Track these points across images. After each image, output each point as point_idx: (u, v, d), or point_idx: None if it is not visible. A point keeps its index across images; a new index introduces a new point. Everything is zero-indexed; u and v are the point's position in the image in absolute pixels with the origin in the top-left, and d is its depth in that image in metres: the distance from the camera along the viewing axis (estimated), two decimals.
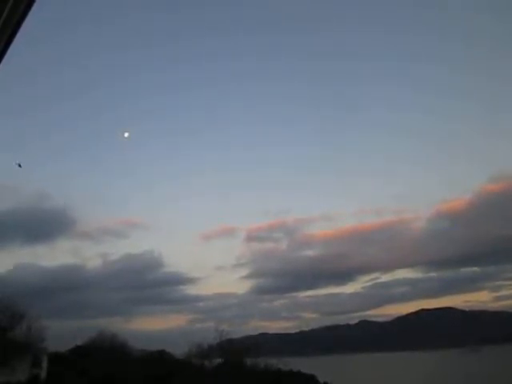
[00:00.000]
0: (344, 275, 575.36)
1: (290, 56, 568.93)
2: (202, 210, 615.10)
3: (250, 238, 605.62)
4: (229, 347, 38.85)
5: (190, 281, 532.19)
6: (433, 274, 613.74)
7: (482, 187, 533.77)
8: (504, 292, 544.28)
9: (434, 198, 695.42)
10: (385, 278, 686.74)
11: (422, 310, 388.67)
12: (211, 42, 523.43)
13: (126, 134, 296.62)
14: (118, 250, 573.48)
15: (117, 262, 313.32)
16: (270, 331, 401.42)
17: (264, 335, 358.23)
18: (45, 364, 52.48)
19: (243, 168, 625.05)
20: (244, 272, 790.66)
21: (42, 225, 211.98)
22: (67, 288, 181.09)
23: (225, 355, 38.79)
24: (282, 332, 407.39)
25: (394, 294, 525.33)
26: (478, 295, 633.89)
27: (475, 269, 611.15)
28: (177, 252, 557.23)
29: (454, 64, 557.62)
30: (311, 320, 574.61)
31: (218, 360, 39.58)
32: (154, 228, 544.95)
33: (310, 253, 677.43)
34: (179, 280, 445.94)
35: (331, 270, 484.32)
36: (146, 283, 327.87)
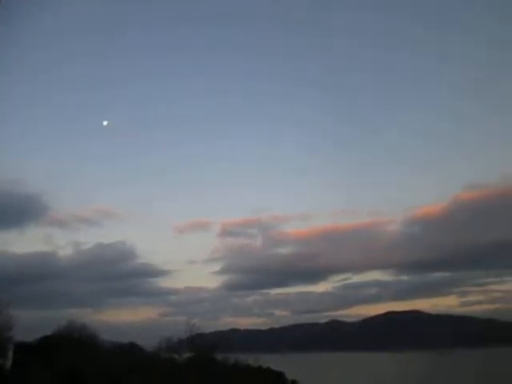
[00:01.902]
0: (316, 274, 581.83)
1: (266, 54, 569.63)
2: (177, 202, 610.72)
3: (225, 233, 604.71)
4: (199, 342, 38.89)
5: (162, 273, 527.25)
6: (403, 277, 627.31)
7: (457, 195, 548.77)
8: (470, 297, 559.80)
9: (410, 203, 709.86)
10: (356, 278, 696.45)
11: (390, 312, 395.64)
12: (188, 35, 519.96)
13: (105, 123, 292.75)
14: (90, 239, 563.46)
15: (89, 251, 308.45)
16: (241, 327, 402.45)
17: (235, 331, 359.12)
18: (11, 354, 51.46)
19: (222, 163, 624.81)
20: (217, 267, 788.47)
21: (13, 210, 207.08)
22: (37, 276, 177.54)
23: (195, 350, 38.83)
24: (253, 328, 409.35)
25: (364, 295, 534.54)
26: (446, 299, 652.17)
27: (445, 274, 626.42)
28: (150, 244, 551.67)
29: (440, 75, 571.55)
30: (282, 317, 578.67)
31: (188, 354, 39.58)
32: (127, 218, 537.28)
33: (283, 251, 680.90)
34: (151, 272, 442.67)
35: (304, 268, 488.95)
36: (118, 274, 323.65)
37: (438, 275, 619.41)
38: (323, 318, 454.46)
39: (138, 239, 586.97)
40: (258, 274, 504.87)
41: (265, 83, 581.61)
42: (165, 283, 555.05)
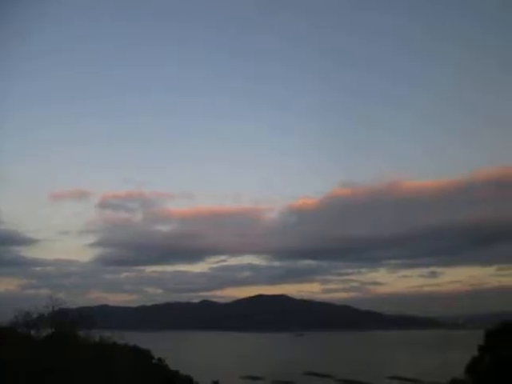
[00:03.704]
0: (194, 254, 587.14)
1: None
2: (56, 169, 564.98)
3: (104, 205, 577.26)
4: (61, 317, 36.67)
5: (28, 242, 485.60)
6: (275, 263, 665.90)
7: (332, 190, 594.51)
8: (331, 285, 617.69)
9: (290, 194, 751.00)
10: (231, 261, 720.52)
11: (260, 295, 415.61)
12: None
13: None
14: None
15: None
16: (111, 303, 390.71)
17: (104, 307, 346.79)
18: None
19: (108, 135, 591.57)
20: (91, 239, 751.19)
21: None
22: None
23: (56, 326, 36.57)
24: (124, 305, 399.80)
25: (238, 277, 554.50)
26: (310, 286, 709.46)
27: (311, 262, 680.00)
28: (18, 209, 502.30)
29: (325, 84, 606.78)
30: (155, 295, 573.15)
31: (48, 331, 37.14)
32: None
33: (164, 228, 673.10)
34: (15, 240, 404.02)
35: (183, 247, 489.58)
36: None
37: (306, 263, 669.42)
38: (197, 297, 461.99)
39: (2, 203, 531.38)
40: (135, 249, 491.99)
41: (155, 49, 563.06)
42: (30, 253, 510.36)
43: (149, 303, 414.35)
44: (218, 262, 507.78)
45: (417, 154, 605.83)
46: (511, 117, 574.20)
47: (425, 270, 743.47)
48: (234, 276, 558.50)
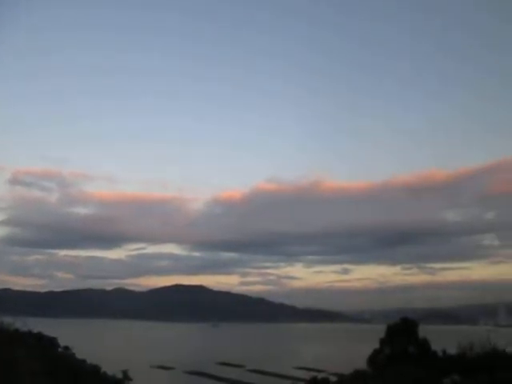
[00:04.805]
0: (112, 240, 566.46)
1: None
2: None
3: (16, 181, 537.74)
4: None
5: None
6: (195, 254, 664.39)
7: (258, 184, 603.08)
8: (249, 278, 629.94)
9: (216, 185, 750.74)
10: (151, 249, 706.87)
11: (178, 285, 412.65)
12: None
13: None
14: None
15: None
16: (15, 287, 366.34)
17: (6, 291, 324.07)
18: None
19: (24, 105, 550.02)
20: None
21: None
22: None
23: None
24: (30, 290, 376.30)
25: (156, 266, 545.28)
26: (229, 278, 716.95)
27: (232, 254, 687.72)
28: None
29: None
30: (66, 281, 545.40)
31: None
32: None
33: (81, 211, 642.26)
34: None
35: (100, 232, 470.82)
36: None
37: (226, 255, 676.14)
38: (111, 285, 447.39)
39: None
40: (48, 231, 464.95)
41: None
42: None
43: (58, 289, 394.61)
44: (136, 250, 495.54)
45: (341, 155, 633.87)
46: (427, 125, 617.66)
47: (338, 267, 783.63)
48: (152, 264, 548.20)
